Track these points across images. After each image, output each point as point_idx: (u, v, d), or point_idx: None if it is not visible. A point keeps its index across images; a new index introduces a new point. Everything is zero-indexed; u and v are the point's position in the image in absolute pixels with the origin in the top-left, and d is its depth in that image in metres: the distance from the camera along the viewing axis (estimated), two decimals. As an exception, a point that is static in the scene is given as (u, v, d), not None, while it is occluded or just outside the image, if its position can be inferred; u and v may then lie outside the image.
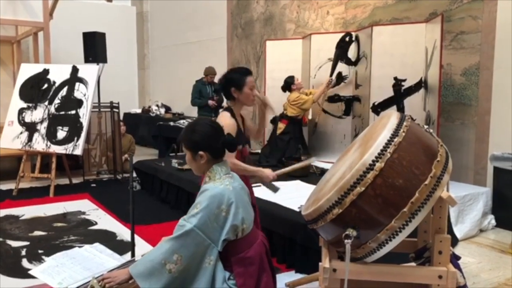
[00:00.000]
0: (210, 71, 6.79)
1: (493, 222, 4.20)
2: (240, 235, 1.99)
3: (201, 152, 2.02)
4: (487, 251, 3.67)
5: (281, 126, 5.43)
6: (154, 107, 9.91)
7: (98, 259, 2.23)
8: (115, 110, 6.34)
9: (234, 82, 2.64)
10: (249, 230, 2.05)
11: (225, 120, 2.55)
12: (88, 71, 5.79)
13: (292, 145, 5.35)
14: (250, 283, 1.98)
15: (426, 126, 2.15)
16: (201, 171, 2.09)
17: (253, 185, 2.80)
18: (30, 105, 5.81)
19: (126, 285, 1.89)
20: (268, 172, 2.64)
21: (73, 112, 5.60)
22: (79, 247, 2.42)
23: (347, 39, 5.41)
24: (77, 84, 5.70)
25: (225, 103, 7.10)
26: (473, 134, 4.51)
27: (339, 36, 5.51)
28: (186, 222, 1.90)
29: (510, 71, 4.18)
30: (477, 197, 4.09)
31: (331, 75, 5.46)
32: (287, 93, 5.49)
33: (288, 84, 5.43)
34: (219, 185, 1.98)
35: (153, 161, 5.95)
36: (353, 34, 5.38)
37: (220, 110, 2.73)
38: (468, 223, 3.98)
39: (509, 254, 3.58)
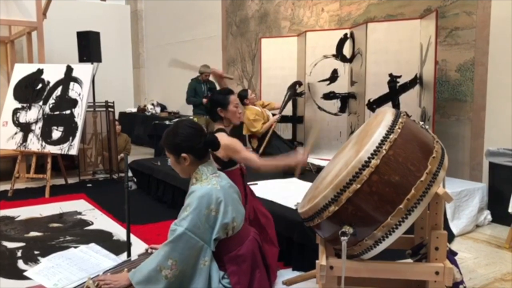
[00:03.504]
0: (205, 70, 6.77)
1: (489, 217, 4.22)
2: (231, 233, 1.99)
3: (183, 154, 2.02)
4: (483, 247, 3.68)
5: (254, 141, 5.35)
6: (149, 106, 9.89)
7: (93, 259, 2.22)
8: (110, 109, 6.32)
9: (219, 103, 2.76)
10: (240, 228, 2.05)
11: (224, 138, 2.57)
12: (83, 70, 5.76)
13: (276, 146, 5.29)
14: (244, 280, 1.98)
15: (421, 123, 2.15)
16: (187, 173, 2.08)
17: (249, 183, 2.81)
18: (25, 105, 5.78)
19: None
20: (299, 156, 2.58)
21: (68, 112, 5.57)
22: (75, 247, 2.41)
23: (297, 86, 5.62)
24: (71, 83, 5.68)
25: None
26: (469, 130, 4.52)
27: (334, 33, 5.51)
28: (178, 226, 1.89)
29: (505, 67, 4.19)
30: (473, 193, 4.10)
31: (281, 112, 5.48)
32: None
33: (241, 98, 5.27)
34: (206, 185, 1.97)
35: (149, 160, 5.93)
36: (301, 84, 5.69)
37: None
38: (464, 218, 3.99)
39: (505, 249, 3.59)
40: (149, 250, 2.18)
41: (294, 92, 5.64)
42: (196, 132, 2.06)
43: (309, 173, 4.59)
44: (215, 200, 1.93)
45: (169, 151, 2.07)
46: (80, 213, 4.60)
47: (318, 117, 5.65)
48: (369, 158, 1.82)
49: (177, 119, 8.06)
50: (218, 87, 2.93)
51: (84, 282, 1.91)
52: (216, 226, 1.93)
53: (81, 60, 6.91)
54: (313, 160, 5.09)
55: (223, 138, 2.60)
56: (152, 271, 1.85)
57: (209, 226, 1.92)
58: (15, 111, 5.79)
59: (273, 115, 5.45)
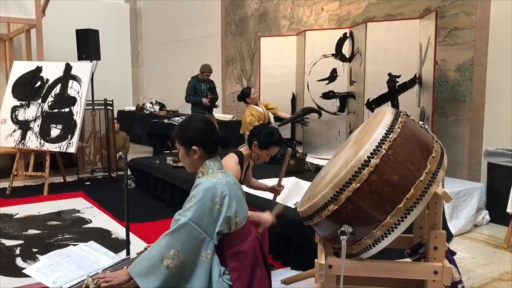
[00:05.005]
0: (206, 69, 6.76)
1: (487, 217, 4.23)
2: (234, 228, 2.00)
3: (194, 147, 2.03)
4: (481, 246, 3.69)
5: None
6: (148, 105, 9.88)
7: (93, 257, 2.22)
8: (109, 107, 6.31)
9: (261, 140, 2.74)
10: (243, 224, 2.05)
11: (230, 164, 2.62)
12: (82, 68, 5.75)
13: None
14: (245, 277, 1.98)
15: (421, 122, 2.16)
16: (194, 167, 2.09)
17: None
18: (23, 103, 5.77)
19: (126, 286, 1.87)
20: (266, 216, 2.60)
21: (67, 109, 5.57)
22: (74, 245, 2.41)
23: (317, 115, 5.45)
24: (70, 81, 5.67)
25: (218, 101, 7.07)
26: (467, 129, 4.52)
27: (333, 32, 5.51)
28: (181, 216, 1.90)
29: (504, 67, 4.20)
30: (471, 193, 4.11)
31: (282, 124, 5.42)
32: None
33: (244, 96, 5.32)
34: (212, 178, 1.98)
35: (148, 158, 5.93)
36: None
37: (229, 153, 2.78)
38: (462, 218, 3.99)
39: (503, 249, 3.60)
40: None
41: (305, 113, 5.49)
42: (208, 127, 2.08)
43: (308, 172, 4.59)
44: (220, 193, 1.94)
45: (180, 143, 2.08)
46: (78, 211, 4.60)
47: (316, 116, 5.65)
48: (368, 157, 1.82)
49: (178, 118, 8.06)
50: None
51: (83, 280, 1.90)
52: (219, 220, 1.93)
53: (80, 58, 6.89)
54: (312, 159, 5.09)
55: (231, 161, 2.66)
56: (153, 261, 1.84)
57: (212, 219, 1.92)
58: (14, 109, 5.78)
59: (275, 118, 5.45)
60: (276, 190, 3.09)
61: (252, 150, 2.78)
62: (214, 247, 1.94)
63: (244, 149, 2.83)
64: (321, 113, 5.45)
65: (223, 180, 2.00)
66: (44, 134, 5.54)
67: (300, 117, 5.50)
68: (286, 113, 5.63)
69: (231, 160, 2.69)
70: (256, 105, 5.34)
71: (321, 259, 1.99)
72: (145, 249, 2.22)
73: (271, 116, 5.42)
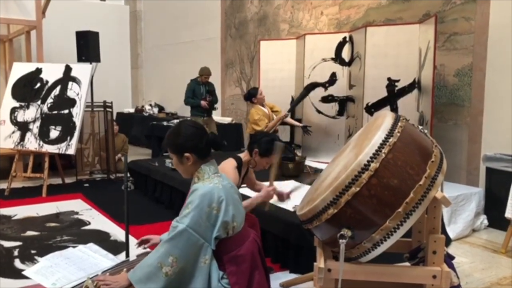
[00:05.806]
0: (205, 72, 6.76)
1: (486, 222, 4.23)
2: (231, 232, 2.00)
3: (186, 154, 2.03)
4: (479, 251, 3.69)
5: None
6: (147, 107, 9.89)
7: (92, 259, 2.22)
8: (108, 109, 6.31)
9: (263, 148, 2.76)
10: (240, 228, 2.06)
11: (228, 169, 2.62)
12: (81, 70, 5.75)
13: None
14: (243, 281, 1.99)
15: (420, 127, 2.16)
16: (189, 173, 2.10)
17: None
18: (23, 104, 5.76)
19: None
20: (264, 193, 2.63)
21: (66, 111, 5.56)
22: (73, 247, 2.41)
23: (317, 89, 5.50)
24: (70, 83, 5.67)
25: (217, 104, 7.07)
26: (466, 134, 4.54)
27: (333, 36, 5.52)
28: (179, 223, 1.90)
29: (503, 72, 4.22)
30: (470, 197, 4.12)
31: (289, 111, 5.46)
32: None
33: (250, 95, 5.30)
34: (209, 184, 1.99)
35: (147, 161, 5.93)
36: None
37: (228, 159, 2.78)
38: (460, 223, 4.00)
39: (501, 254, 3.61)
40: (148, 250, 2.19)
41: (310, 90, 5.49)
42: (198, 131, 2.08)
43: (306, 175, 4.60)
44: (217, 198, 1.94)
45: (172, 151, 2.09)
46: (77, 213, 4.60)
47: (315, 120, 5.67)
48: (368, 161, 1.82)
49: (176, 120, 8.07)
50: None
51: (83, 282, 1.91)
52: (217, 225, 1.94)
53: (80, 59, 6.89)
54: (311, 162, 5.10)
55: (229, 166, 2.66)
56: (152, 268, 1.85)
57: (210, 224, 1.93)
58: (13, 110, 5.77)
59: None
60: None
61: (252, 157, 2.79)
62: (212, 252, 1.95)
63: (243, 155, 2.83)
64: (326, 85, 5.44)
65: (219, 184, 2.00)
66: (43, 135, 5.54)
67: (305, 96, 5.50)
68: (289, 118, 5.63)
69: (229, 164, 2.70)
70: (262, 105, 5.34)
71: (320, 263, 2.00)
72: (145, 250, 2.23)
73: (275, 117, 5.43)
